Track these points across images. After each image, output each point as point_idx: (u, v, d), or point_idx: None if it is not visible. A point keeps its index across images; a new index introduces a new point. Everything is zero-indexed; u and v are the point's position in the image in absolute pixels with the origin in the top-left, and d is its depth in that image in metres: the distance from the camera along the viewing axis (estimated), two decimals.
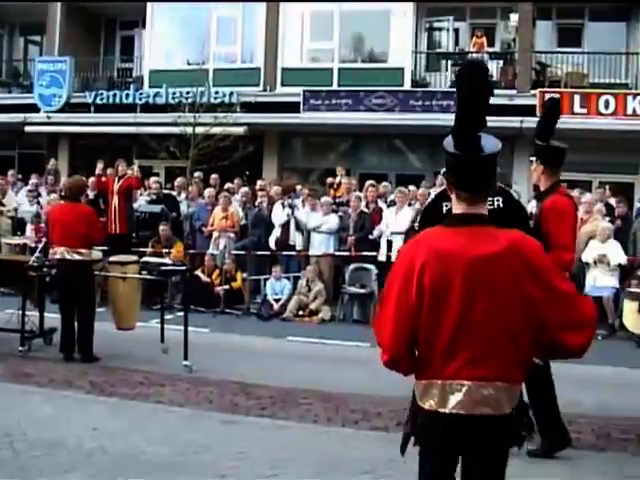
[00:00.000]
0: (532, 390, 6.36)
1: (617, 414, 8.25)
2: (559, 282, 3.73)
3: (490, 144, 3.72)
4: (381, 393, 8.77)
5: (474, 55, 23.92)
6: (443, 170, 4.14)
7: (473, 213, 3.72)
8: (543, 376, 6.71)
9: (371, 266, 15.53)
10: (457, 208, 3.77)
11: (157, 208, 17.11)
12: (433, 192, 17.19)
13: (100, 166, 19.47)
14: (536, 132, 7.09)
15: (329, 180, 19.07)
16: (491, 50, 24.65)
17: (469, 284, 3.59)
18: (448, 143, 3.78)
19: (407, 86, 23.57)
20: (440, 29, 25.60)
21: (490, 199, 5.05)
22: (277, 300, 15.59)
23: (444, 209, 5.10)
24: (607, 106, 21.85)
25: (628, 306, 9.84)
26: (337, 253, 16.24)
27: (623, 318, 10.73)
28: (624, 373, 11.00)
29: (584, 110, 21.88)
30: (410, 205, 16.26)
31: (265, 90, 24.24)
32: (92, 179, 18.11)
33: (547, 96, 21.47)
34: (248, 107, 22.83)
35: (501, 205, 5.41)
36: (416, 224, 14.12)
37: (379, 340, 3.82)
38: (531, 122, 20.01)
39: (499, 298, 3.58)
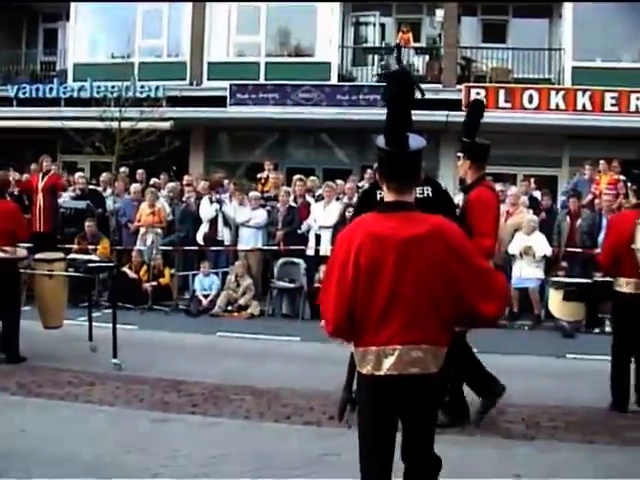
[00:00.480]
0: (457, 363, 6.75)
1: (545, 403, 8.40)
2: (475, 259, 4.35)
3: (416, 141, 4.29)
4: (312, 387, 8.79)
5: (401, 49, 24.10)
6: (375, 164, 4.59)
7: (402, 201, 4.26)
8: (461, 346, 7.19)
9: (300, 260, 15.54)
10: (388, 197, 4.31)
11: (82, 204, 16.87)
12: (362, 185, 17.41)
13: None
14: (463, 130, 7.64)
15: (259, 175, 18.97)
16: (417, 45, 24.84)
17: (399, 261, 4.13)
18: (379, 141, 4.33)
19: (334, 80, 23.61)
20: (367, 24, 25.73)
21: (420, 189, 5.79)
22: (206, 296, 15.50)
23: (378, 197, 5.57)
24: (531, 101, 22.18)
25: (553, 294, 10.25)
26: (265, 248, 16.21)
27: (549, 306, 11.04)
28: (551, 362, 11.22)
29: (508, 105, 22.17)
30: (338, 199, 16.28)
31: (191, 84, 24.06)
32: (16, 175, 17.79)
33: (472, 91, 21.91)
34: (174, 101, 22.59)
35: (430, 194, 6.04)
36: (347, 212, 14.39)
37: (323, 314, 4.40)
38: (457, 116, 20.26)
39: (425, 273, 4.15)
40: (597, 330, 13.19)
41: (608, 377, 8.62)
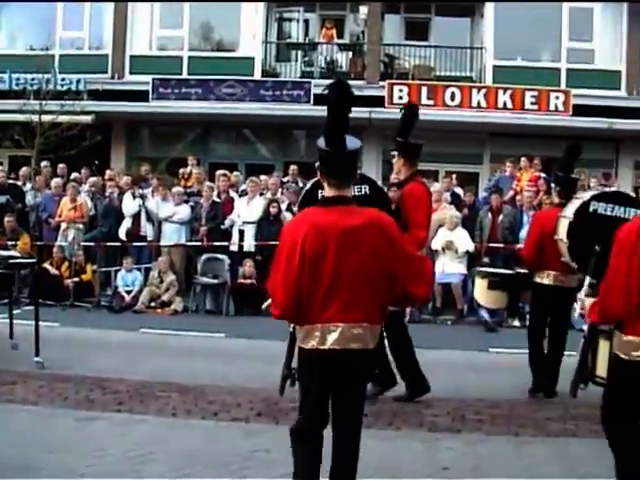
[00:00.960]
0: (393, 345, 8.11)
1: (470, 396, 8.52)
2: (406, 247, 5.07)
3: (352, 143, 4.87)
4: (239, 384, 8.79)
5: (324, 46, 24.14)
6: (317, 163, 4.99)
7: (341, 195, 4.85)
8: (400, 332, 8.24)
9: (223, 256, 15.48)
10: (328, 192, 4.89)
11: (2, 199, 16.53)
12: (286, 181, 17.45)
13: None
14: (397, 131, 8.40)
15: (181, 170, 18.79)
16: (340, 42, 24.94)
17: (340, 249, 4.70)
18: (320, 142, 4.90)
19: (257, 76, 23.57)
20: (290, 20, 25.72)
21: (359, 187, 6.34)
22: (128, 292, 15.34)
23: (319, 196, 6.06)
24: (453, 98, 22.46)
25: (478, 283, 10.48)
26: (189, 243, 16.11)
27: (474, 294, 11.27)
28: (474, 356, 11.39)
29: (431, 102, 22.39)
30: (262, 195, 16.26)
31: (113, 77, 23.68)
32: None
33: (395, 88, 22.07)
34: (96, 95, 22.22)
35: (367, 192, 6.62)
36: (272, 208, 14.41)
37: (272, 298, 5.02)
38: (380, 113, 20.51)
39: (362, 260, 4.72)
40: (518, 324, 13.43)
41: (529, 371, 9.04)
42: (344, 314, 4.73)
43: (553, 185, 9.45)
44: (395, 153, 8.37)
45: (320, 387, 4.84)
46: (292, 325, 5.05)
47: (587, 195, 8.37)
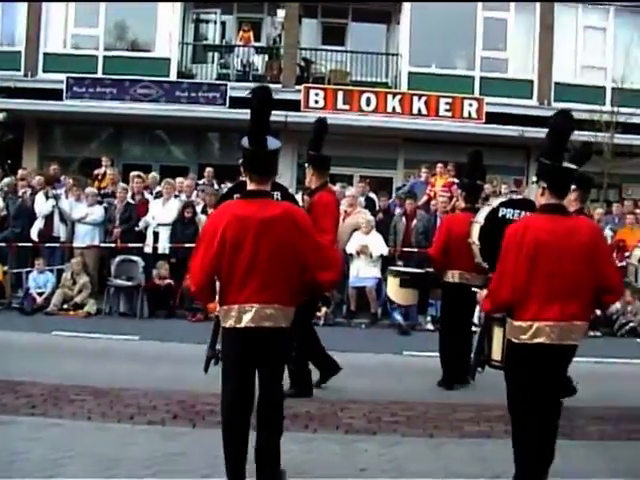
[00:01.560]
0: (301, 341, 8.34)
1: (385, 398, 8.60)
2: (316, 237, 5.73)
3: (273, 143, 5.55)
4: (154, 386, 8.71)
5: (241, 48, 24.10)
6: (240, 160, 5.66)
7: (261, 190, 5.55)
8: (305, 328, 8.67)
9: (137, 258, 15.32)
10: (250, 186, 5.57)
11: None
12: (201, 183, 17.37)
13: None
14: (309, 144, 9.09)
15: (96, 171, 18.52)
16: (257, 45, 24.93)
17: (257, 237, 5.34)
18: (244, 141, 5.51)
19: (173, 77, 23.38)
20: (207, 21, 25.64)
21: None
22: (40, 294, 15.05)
23: (235, 198, 6.51)
24: (368, 103, 22.65)
25: (391, 282, 11.12)
26: (103, 245, 15.90)
27: (387, 292, 11.89)
28: (389, 359, 11.52)
29: (346, 106, 22.59)
30: (176, 197, 16.17)
31: (26, 75, 23.19)
32: None
33: (311, 92, 22.15)
34: (8, 92, 21.80)
35: (279, 198, 6.75)
36: (187, 213, 14.33)
37: (191, 277, 5.70)
38: (295, 117, 20.53)
39: (277, 247, 5.38)
40: (431, 327, 13.65)
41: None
42: (258, 296, 5.38)
43: (459, 191, 10.36)
44: (307, 164, 9.15)
45: (239, 363, 5.49)
46: (217, 310, 5.82)
47: (496, 202, 8.87)
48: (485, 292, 6.27)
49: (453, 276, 9.62)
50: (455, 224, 9.68)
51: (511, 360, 6.01)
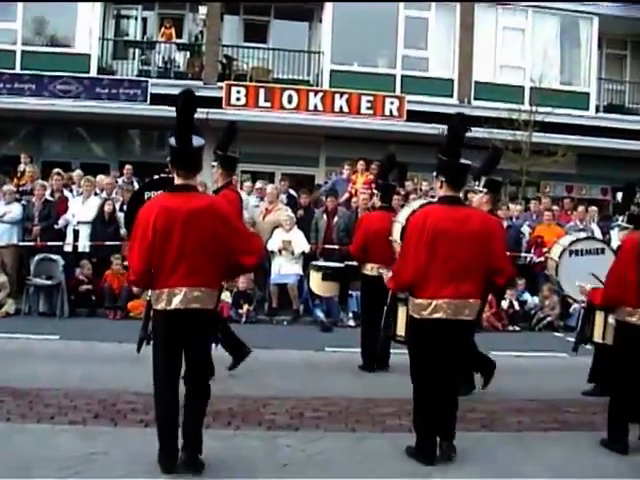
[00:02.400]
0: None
1: (308, 394, 8.64)
2: (238, 225, 6.44)
3: (197, 141, 6.06)
4: (75, 386, 8.59)
5: (162, 45, 23.91)
6: (168, 158, 6.13)
7: (187, 184, 6.11)
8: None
9: (57, 257, 15.03)
10: (177, 180, 6.13)
11: None
12: (120, 180, 17.18)
13: None
14: (218, 145, 9.42)
15: (20, 168, 18.13)
16: (179, 41, 24.77)
17: (184, 227, 5.89)
18: (171, 140, 6.03)
19: (93, 73, 23.00)
20: (128, 17, 25.42)
21: None
22: None
23: (145, 197, 7.49)
24: (290, 101, 22.69)
25: (313, 275, 12.07)
26: (21, 243, 15.61)
27: (310, 285, 12.57)
28: (311, 355, 11.57)
29: (268, 104, 22.59)
30: (96, 195, 15.99)
31: None
32: None
33: (233, 89, 22.11)
34: None
35: None
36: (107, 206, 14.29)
37: (130, 267, 6.35)
38: (217, 114, 20.41)
39: (203, 236, 5.93)
40: (353, 323, 13.76)
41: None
42: (187, 280, 5.93)
43: (375, 191, 10.99)
44: (215, 164, 9.41)
45: (168, 342, 6.03)
46: (149, 293, 6.22)
47: (417, 204, 9.27)
48: (390, 273, 7.13)
49: (372, 269, 10.32)
50: (372, 222, 10.48)
51: (413, 334, 6.88)
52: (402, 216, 9.19)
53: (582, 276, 8.89)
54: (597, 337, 8.99)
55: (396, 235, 9.20)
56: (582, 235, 11.46)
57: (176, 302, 5.94)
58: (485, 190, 8.83)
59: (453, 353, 6.63)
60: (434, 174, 6.99)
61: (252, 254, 6.27)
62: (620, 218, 9.28)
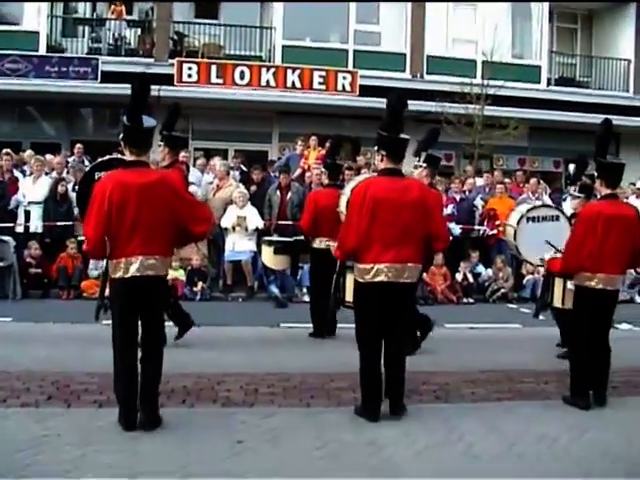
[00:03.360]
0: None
1: (262, 370, 8.62)
2: (187, 196, 6.99)
3: (149, 121, 6.58)
4: (28, 368, 8.48)
5: (112, 22, 23.60)
6: (121, 136, 6.59)
7: (140, 160, 6.55)
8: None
9: (8, 238, 14.84)
10: (130, 157, 6.57)
11: None
12: (72, 160, 16.98)
13: None
14: (163, 125, 9.55)
15: None
16: (129, 18, 24.47)
17: (139, 199, 6.34)
18: (124, 119, 6.51)
19: (42, 51, 22.68)
20: None
21: None
22: None
23: (96, 177, 7.73)
24: (242, 77, 22.56)
25: (265, 250, 12.80)
26: None
27: (262, 259, 13.23)
28: (265, 332, 11.60)
29: (220, 80, 22.45)
30: (47, 174, 15.81)
31: None
32: None
33: (185, 66, 21.95)
34: None
35: None
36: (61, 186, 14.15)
37: (86, 238, 6.64)
38: (169, 91, 20.30)
39: (156, 207, 6.39)
40: (308, 299, 13.76)
41: (318, 344, 10.45)
42: (142, 249, 6.38)
43: (323, 169, 11.50)
44: (161, 144, 9.65)
45: (127, 308, 6.47)
46: (105, 262, 6.68)
47: (362, 177, 9.73)
48: (337, 244, 7.65)
49: (320, 242, 10.97)
50: (320, 198, 11.02)
51: (358, 297, 7.27)
52: (348, 188, 9.46)
53: (539, 241, 9.73)
54: (557, 302, 9.69)
55: (342, 207, 9.59)
56: (539, 203, 12.47)
57: (133, 270, 6.39)
58: (425, 165, 9.56)
59: (397, 314, 7.10)
60: (375, 148, 7.30)
61: (202, 222, 6.82)
62: (572, 188, 10.42)
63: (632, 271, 16.29)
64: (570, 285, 8.81)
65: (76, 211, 14.24)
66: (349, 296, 8.87)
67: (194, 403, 7.37)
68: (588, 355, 7.84)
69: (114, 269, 6.47)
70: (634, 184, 20.09)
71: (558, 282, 9.54)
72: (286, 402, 7.49)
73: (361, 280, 7.09)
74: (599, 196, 8.21)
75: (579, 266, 7.83)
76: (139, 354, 6.53)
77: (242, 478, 5.49)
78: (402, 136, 7.18)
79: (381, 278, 6.94)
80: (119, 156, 7.77)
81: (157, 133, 9.85)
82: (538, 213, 10.88)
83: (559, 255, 8.69)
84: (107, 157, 9.62)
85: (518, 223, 10.73)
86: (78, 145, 17.88)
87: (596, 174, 8.17)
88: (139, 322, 6.53)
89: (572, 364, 7.97)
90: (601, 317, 7.95)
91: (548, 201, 16.28)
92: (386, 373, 7.10)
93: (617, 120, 23.97)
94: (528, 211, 10.91)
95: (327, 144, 16.87)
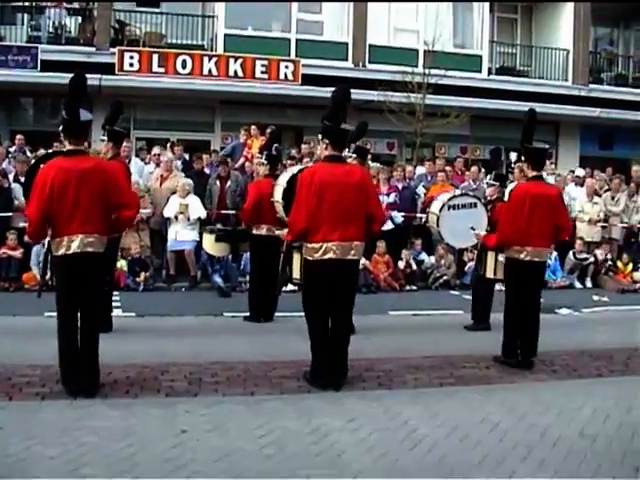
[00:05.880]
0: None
1: (206, 360, 8.64)
2: (119, 180, 7.60)
3: (85, 115, 7.22)
4: None
5: (52, 9, 23.29)
6: (61, 127, 7.24)
7: (78, 149, 7.26)
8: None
9: None
10: (69, 147, 7.23)
11: None
12: (12, 150, 16.76)
13: None
14: (106, 120, 10.25)
15: None
16: (69, 6, 24.09)
17: (78, 183, 7.01)
18: (63, 113, 7.13)
19: None
20: None
21: None
22: None
23: (41, 166, 7.75)
24: (184, 66, 22.41)
25: (207, 237, 13.29)
26: None
27: (204, 247, 13.69)
28: (209, 321, 11.68)
29: (162, 69, 22.29)
30: None
31: None
32: None
33: (126, 54, 21.78)
34: None
35: None
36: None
37: (28, 219, 7.31)
38: (110, 80, 20.21)
39: (93, 190, 7.07)
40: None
41: (261, 332, 10.56)
42: (82, 227, 7.05)
43: (263, 161, 11.84)
44: (105, 138, 10.25)
45: (69, 281, 7.13)
46: (47, 242, 7.39)
47: (296, 169, 10.52)
48: (286, 231, 8.50)
49: (261, 229, 11.38)
50: (262, 187, 11.36)
51: (307, 274, 8.00)
52: (283, 179, 10.37)
53: (459, 226, 11.31)
54: (489, 273, 10.87)
55: (277, 196, 10.27)
56: (457, 192, 13.36)
57: (74, 247, 7.06)
58: (354, 156, 10.04)
59: (344, 289, 7.77)
60: (319, 137, 8.00)
61: (130, 207, 7.53)
62: (488, 177, 12.21)
63: (571, 256, 16.72)
64: (501, 258, 9.96)
65: (16, 202, 14.12)
66: (296, 273, 9.89)
67: (138, 393, 7.35)
68: (520, 320, 8.97)
69: (57, 247, 7.12)
70: (573, 171, 20.45)
71: (490, 255, 10.71)
72: (230, 391, 7.52)
73: (310, 258, 7.76)
74: (527, 178, 9.32)
75: (510, 240, 8.97)
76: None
77: (187, 467, 5.50)
78: (344, 126, 7.87)
79: (330, 255, 7.62)
80: (62, 149, 8.05)
81: (100, 127, 10.17)
82: (458, 201, 11.96)
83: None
84: (51, 150, 10.37)
85: (440, 210, 11.80)
86: (19, 136, 17.65)
87: (523, 158, 9.32)
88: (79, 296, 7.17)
89: (506, 328, 9.11)
90: (530, 285, 9.02)
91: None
92: (333, 347, 7.72)
93: (556, 109, 24.65)
94: (449, 199, 11.94)
95: (266, 135, 17.05)
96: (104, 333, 8.03)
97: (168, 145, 18.65)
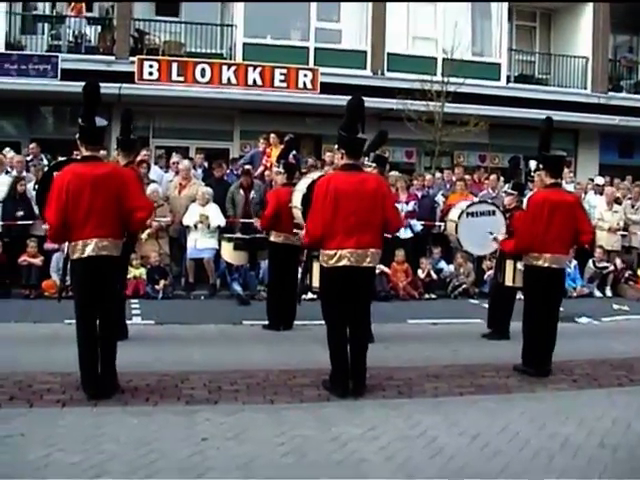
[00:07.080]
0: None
1: (226, 368, 8.65)
2: (133, 184, 7.68)
3: (100, 121, 7.48)
4: None
5: (72, 19, 23.41)
6: (77, 135, 7.47)
7: (93, 155, 7.53)
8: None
9: None
10: (85, 153, 7.49)
11: None
12: (30, 159, 16.83)
13: None
14: (120, 131, 10.31)
15: None
16: (90, 15, 24.23)
17: (93, 188, 7.24)
18: (80, 120, 7.37)
19: (1, 49, 22.37)
20: None
21: None
22: None
23: (54, 175, 8.10)
24: (203, 75, 22.46)
25: (225, 245, 13.38)
26: None
27: (222, 255, 13.76)
28: (229, 329, 11.67)
29: (181, 78, 22.32)
30: (7, 173, 15.65)
31: None
32: None
33: (145, 63, 21.84)
34: None
35: None
36: (20, 186, 14.01)
37: (48, 223, 7.64)
38: (129, 89, 20.30)
39: (107, 195, 7.29)
40: None
41: (281, 341, 10.52)
42: (96, 232, 7.26)
43: (282, 170, 11.79)
44: (116, 147, 10.51)
45: (85, 284, 7.34)
46: (66, 247, 7.67)
47: (316, 174, 10.42)
48: (302, 233, 8.86)
49: (278, 236, 11.41)
50: (281, 195, 11.30)
51: (323, 280, 8.10)
52: (302, 185, 10.34)
53: (478, 233, 11.42)
54: (508, 281, 10.87)
55: (296, 202, 10.29)
56: (476, 199, 13.70)
57: (89, 250, 7.26)
58: (374, 165, 10.22)
59: (360, 297, 7.86)
60: (336, 147, 8.23)
61: (142, 210, 7.57)
62: (506, 185, 11.99)
63: (591, 265, 16.65)
64: (520, 266, 9.95)
65: (36, 210, 14.18)
66: (316, 282, 9.83)
67: (158, 401, 7.37)
68: (539, 328, 8.93)
69: (73, 251, 7.36)
70: (592, 180, 20.38)
71: (509, 263, 10.76)
72: (250, 399, 7.51)
73: (326, 265, 7.85)
74: (544, 185, 9.26)
75: (529, 247, 8.99)
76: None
77: (206, 475, 5.50)
78: (359, 136, 7.98)
79: (344, 262, 7.70)
80: (75, 157, 8.56)
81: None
82: (476, 209, 12.19)
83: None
84: (64, 158, 10.16)
85: (459, 218, 11.97)
86: (32, 145, 17.73)
87: (541, 166, 9.36)
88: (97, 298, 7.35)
89: (525, 335, 9.12)
90: (549, 292, 9.00)
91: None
92: (351, 354, 7.77)
93: (575, 117, 24.58)
94: (468, 207, 12.18)
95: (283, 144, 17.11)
96: (120, 341, 8.02)
97: (194, 154, 18.69)
